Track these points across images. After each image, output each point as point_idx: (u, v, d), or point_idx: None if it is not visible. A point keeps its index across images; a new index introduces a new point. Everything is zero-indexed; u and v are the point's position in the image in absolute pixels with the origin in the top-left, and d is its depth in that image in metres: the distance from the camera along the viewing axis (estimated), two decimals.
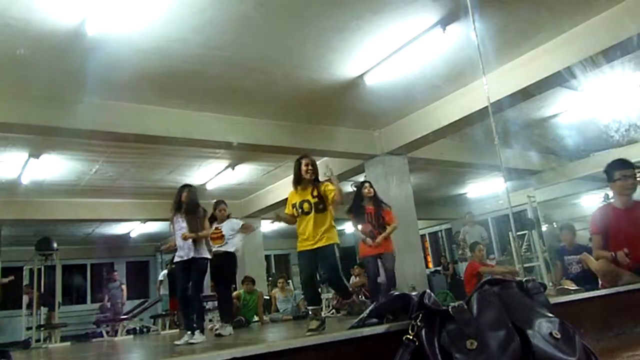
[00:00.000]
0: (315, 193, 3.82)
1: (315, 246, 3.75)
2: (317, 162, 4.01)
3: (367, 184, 5.59)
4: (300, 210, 3.82)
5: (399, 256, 5.75)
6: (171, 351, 4.24)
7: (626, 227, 3.27)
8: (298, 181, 3.91)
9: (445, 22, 4.58)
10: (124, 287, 12.11)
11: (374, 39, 4.80)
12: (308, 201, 3.80)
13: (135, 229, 12.55)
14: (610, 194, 3.73)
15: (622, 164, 3.33)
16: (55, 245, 9.36)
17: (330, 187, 3.82)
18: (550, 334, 1.12)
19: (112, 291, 11.84)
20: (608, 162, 3.40)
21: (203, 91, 5.62)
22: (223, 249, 5.49)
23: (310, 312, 4.07)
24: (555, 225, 11.06)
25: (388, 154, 7.40)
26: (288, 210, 3.99)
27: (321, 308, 4.76)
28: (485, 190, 12.31)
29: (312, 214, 3.78)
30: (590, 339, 1.47)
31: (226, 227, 5.61)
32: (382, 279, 5.30)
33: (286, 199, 4.09)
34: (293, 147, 7.04)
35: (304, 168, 3.85)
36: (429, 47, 4.98)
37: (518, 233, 9.48)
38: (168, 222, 4.93)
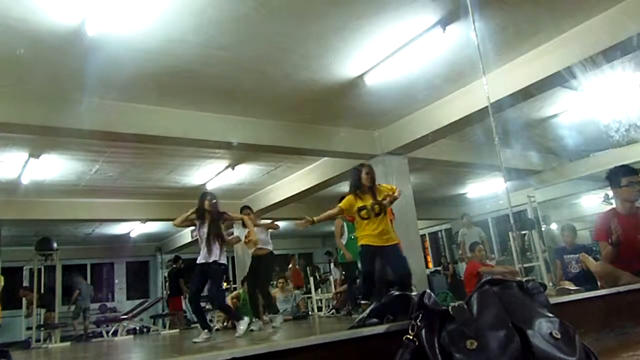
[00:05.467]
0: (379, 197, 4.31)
1: (386, 244, 4.24)
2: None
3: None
4: (372, 213, 4.26)
5: None
6: (171, 351, 4.24)
7: (629, 232, 3.27)
8: (357, 187, 4.38)
9: (445, 22, 4.58)
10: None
11: (374, 39, 4.79)
12: (379, 203, 4.27)
13: (135, 229, 12.55)
14: (610, 194, 3.72)
15: (629, 170, 3.30)
16: (55, 245, 9.36)
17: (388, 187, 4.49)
18: (550, 334, 1.12)
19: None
20: (610, 168, 3.37)
21: (203, 91, 5.61)
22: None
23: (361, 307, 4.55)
24: (555, 226, 11.07)
25: (388, 154, 7.40)
26: (349, 212, 4.40)
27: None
28: (485, 190, 12.31)
29: (382, 215, 4.27)
30: (590, 339, 1.47)
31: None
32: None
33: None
34: (293, 147, 7.05)
35: (364, 176, 4.31)
36: (429, 47, 4.97)
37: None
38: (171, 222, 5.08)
